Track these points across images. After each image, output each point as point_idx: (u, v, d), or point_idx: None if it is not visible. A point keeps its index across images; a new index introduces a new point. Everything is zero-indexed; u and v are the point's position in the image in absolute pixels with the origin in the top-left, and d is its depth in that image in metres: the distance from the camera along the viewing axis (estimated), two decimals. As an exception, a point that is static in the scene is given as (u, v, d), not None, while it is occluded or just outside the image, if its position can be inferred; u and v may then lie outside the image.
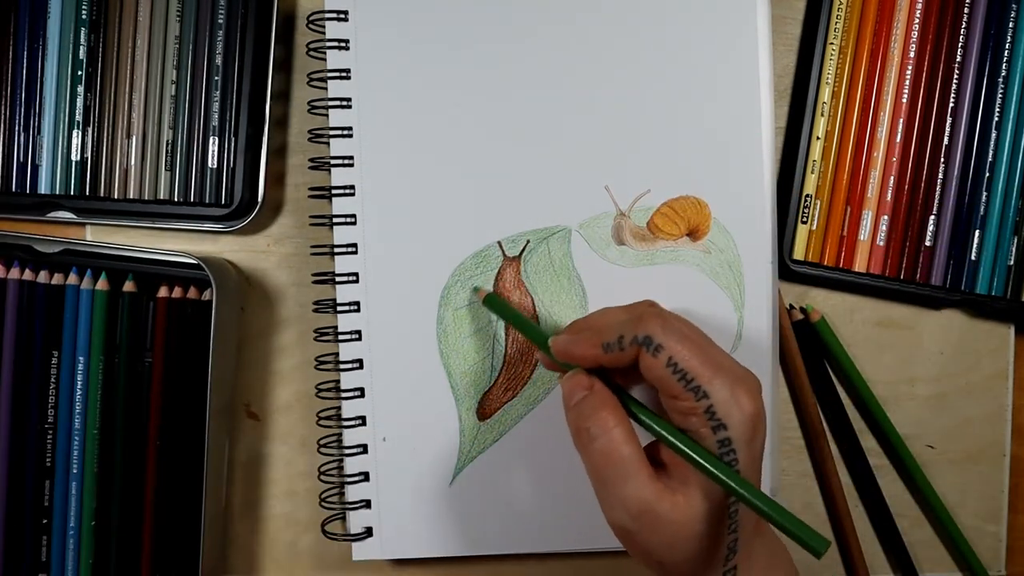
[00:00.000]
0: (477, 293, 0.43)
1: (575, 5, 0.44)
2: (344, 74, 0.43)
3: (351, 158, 0.43)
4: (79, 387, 0.43)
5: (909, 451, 0.47)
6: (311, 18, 0.43)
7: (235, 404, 0.46)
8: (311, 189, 0.44)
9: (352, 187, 0.43)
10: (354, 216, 0.43)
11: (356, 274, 0.43)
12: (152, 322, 0.43)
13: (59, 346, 0.43)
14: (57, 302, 0.43)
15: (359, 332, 0.43)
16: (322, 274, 0.43)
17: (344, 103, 0.43)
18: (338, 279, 0.43)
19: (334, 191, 0.43)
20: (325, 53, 0.43)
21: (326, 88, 0.43)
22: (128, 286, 0.43)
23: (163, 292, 0.43)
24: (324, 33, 0.43)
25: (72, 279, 0.43)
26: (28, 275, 0.42)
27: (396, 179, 0.43)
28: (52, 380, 0.43)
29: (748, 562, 0.32)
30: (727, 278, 0.44)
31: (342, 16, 0.43)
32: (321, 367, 0.44)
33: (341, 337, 0.43)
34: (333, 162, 0.43)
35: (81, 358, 0.43)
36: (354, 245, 0.43)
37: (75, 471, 0.43)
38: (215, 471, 0.44)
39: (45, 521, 0.43)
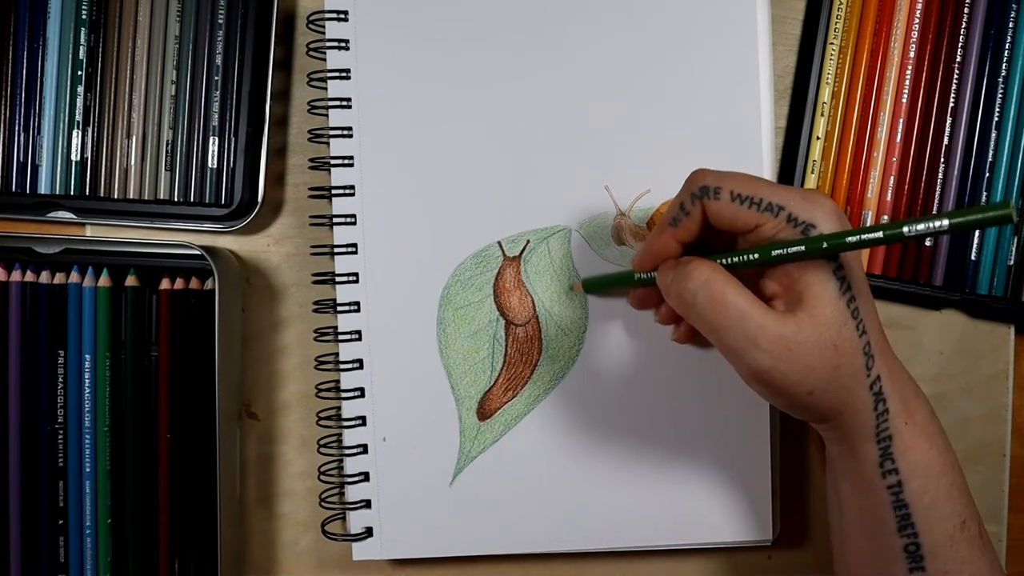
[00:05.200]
0: (574, 289, 0.43)
1: (575, 5, 0.44)
2: (344, 74, 0.43)
3: (351, 158, 0.43)
4: (87, 385, 0.43)
5: None
6: (311, 18, 0.43)
7: (236, 406, 0.46)
8: (311, 189, 0.44)
9: (352, 187, 0.43)
10: (354, 216, 0.43)
11: (356, 274, 0.43)
12: (156, 315, 0.43)
13: (64, 345, 0.43)
14: (60, 301, 0.43)
15: (359, 332, 0.43)
16: (322, 274, 0.43)
17: (344, 103, 0.43)
18: (338, 279, 0.43)
19: (334, 191, 0.43)
20: (325, 53, 0.43)
21: (326, 88, 0.43)
22: (130, 280, 0.43)
23: (165, 284, 0.43)
24: (324, 33, 0.43)
25: (74, 278, 0.43)
26: (29, 276, 0.42)
27: (396, 179, 0.43)
28: (59, 380, 0.43)
29: (889, 371, 0.32)
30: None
31: (342, 16, 0.43)
32: (321, 367, 0.44)
33: (341, 337, 0.43)
34: (333, 162, 0.43)
35: (87, 356, 0.43)
36: (354, 245, 0.43)
37: (88, 470, 0.43)
38: (228, 461, 0.44)
39: (61, 522, 0.43)
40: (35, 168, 0.44)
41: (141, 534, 0.43)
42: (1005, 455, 0.48)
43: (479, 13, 0.43)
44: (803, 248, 0.31)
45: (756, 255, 0.32)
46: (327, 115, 0.43)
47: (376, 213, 0.43)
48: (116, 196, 0.44)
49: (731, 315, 0.31)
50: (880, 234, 0.29)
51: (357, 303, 0.43)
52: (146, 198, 0.44)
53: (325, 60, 0.43)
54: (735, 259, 0.33)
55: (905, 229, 0.29)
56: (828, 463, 0.36)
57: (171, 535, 0.43)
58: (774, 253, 0.31)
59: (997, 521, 0.48)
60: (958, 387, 0.48)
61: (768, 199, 0.31)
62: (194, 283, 0.43)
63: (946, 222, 0.28)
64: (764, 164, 0.44)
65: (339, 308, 0.43)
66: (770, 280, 0.32)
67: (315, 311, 0.44)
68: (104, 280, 0.43)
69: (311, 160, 0.43)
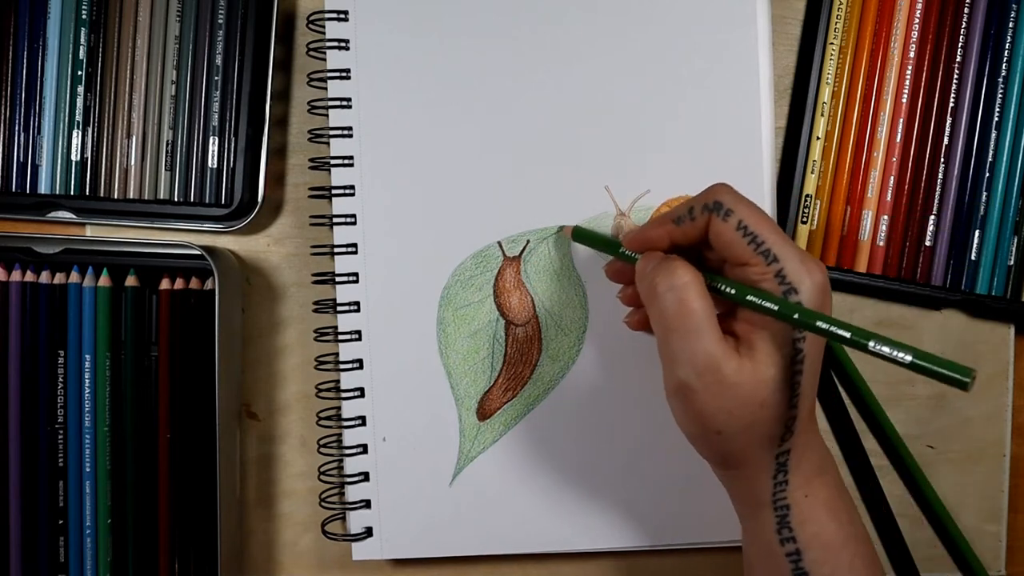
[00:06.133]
0: (563, 231, 0.42)
1: (576, 5, 0.44)
2: (344, 74, 0.43)
3: (351, 158, 0.43)
4: (87, 385, 0.43)
5: (909, 451, 0.47)
6: (311, 18, 0.43)
7: (235, 405, 0.46)
8: (311, 189, 0.44)
9: (352, 187, 0.43)
10: (354, 216, 0.43)
11: (356, 274, 0.43)
12: (156, 315, 0.43)
13: (64, 345, 0.43)
14: (60, 301, 0.43)
15: (359, 332, 0.43)
16: (322, 274, 0.43)
17: (344, 103, 0.43)
18: (338, 279, 0.43)
19: (334, 191, 0.43)
20: (325, 53, 0.43)
21: (326, 88, 0.43)
22: (130, 280, 0.43)
23: (165, 284, 0.43)
24: (324, 33, 0.43)
25: (74, 278, 0.43)
26: (29, 276, 0.42)
27: (396, 179, 0.43)
28: (59, 380, 0.43)
29: (801, 449, 0.32)
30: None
31: (342, 16, 0.43)
32: (321, 367, 0.44)
33: (341, 337, 0.43)
34: (333, 162, 0.43)
35: (87, 356, 0.43)
36: (354, 245, 0.43)
37: (88, 470, 0.43)
38: (227, 461, 0.44)
39: (61, 522, 0.43)
40: (35, 168, 0.44)
41: (141, 534, 0.43)
42: (1005, 455, 0.48)
43: (479, 13, 0.43)
44: (775, 308, 0.30)
45: (732, 290, 0.32)
46: (327, 115, 0.43)
47: (376, 213, 0.43)
48: (116, 196, 0.44)
49: (688, 326, 0.31)
50: (848, 334, 0.29)
51: (357, 303, 0.43)
52: (146, 198, 0.44)
53: (325, 60, 0.43)
54: (713, 284, 0.32)
55: (871, 344, 0.29)
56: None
57: (171, 535, 0.43)
58: (748, 298, 0.31)
59: (997, 521, 0.48)
60: (958, 387, 0.48)
61: (769, 245, 0.31)
62: (194, 283, 0.43)
63: (909, 357, 0.28)
64: (764, 164, 0.44)
65: (339, 308, 0.43)
66: (735, 318, 0.32)
67: (315, 311, 0.44)
68: (104, 280, 0.43)
69: (311, 160, 0.43)
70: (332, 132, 0.43)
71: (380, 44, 0.43)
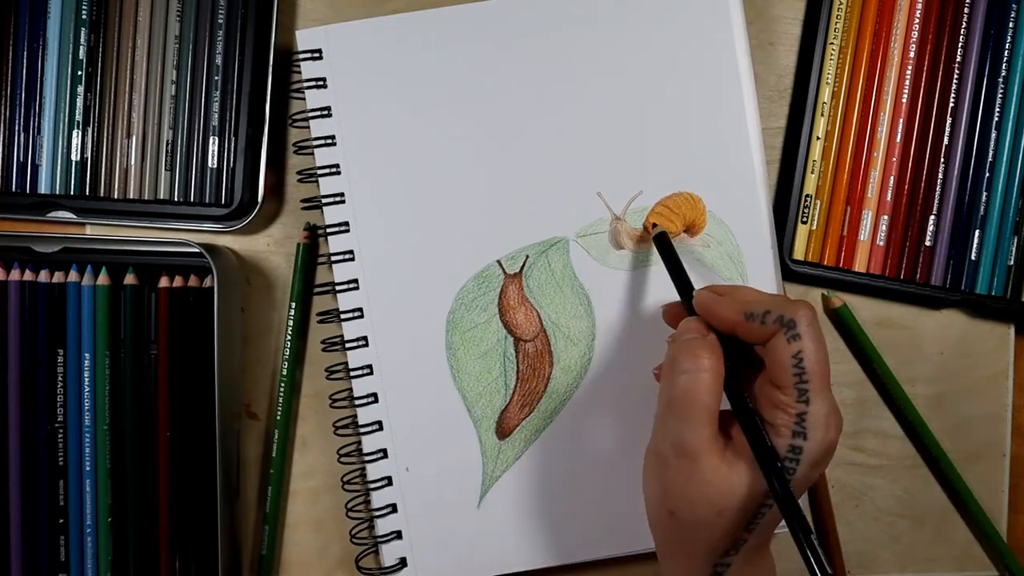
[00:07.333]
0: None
1: (559, 18, 0.43)
2: (325, 112, 0.43)
3: (342, 195, 0.43)
4: (86, 384, 0.43)
5: (940, 447, 0.47)
6: (292, 58, 0.43)
7: (235, 404, 0.46)
8: (303, 201, 0.44)
9: (347, 223, 0.43)
10: (352, 252, 0.43)
11: (360, 309, 0.43)
12: (155, 313, 0.43)
13: (64, 344, 0.43)
14: (59, 300, 0.43)
15: (370, 366, 0.43)
16: (326, 312, 0.44)
17: (328, 141, 0.43)
18: (343, 316, 0.43)
19: (329, 230, 0.43)
20: (304, 94, 0.43)
21: (309, 128, 0.43)
22: (129, 279, 0.43)
23: (164, 282, 0.43)
24: (301, 73, 0.43)
25: (73, 276, 0.43)
26: (28, 275, 0.42)
27: (389, 210, 0.43)
28: (59, 379, 0.43)
29: (743, 567, 0.33)
30: (730, 269, 0.44)
31: (316, 55, 0.43)
32: (332, 377, 0.44)
33: (353, 373, 0.43)
34: (325, 201, 0.43)
35: (87, 355, 0.43)
36: (355, 280, 0.43)
37: (88, 468, 0.43)
38: (227, 460, 0.44)
39: (61, 521, 0.43)
40: (35, 168, 0.44)
41: (141, 533, 0.43)
42: (1005, 455, 0.48)
43: (459, 30, 0.43)
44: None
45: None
46: (313, 154, 0.43)
47: (374, 248, 0.43)
48: (116, 196, 0.44)
49: (687, 414, 0.32)
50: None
51: (365, 337, 0.43)
52: (146, 198, 0.44)
53: (304, 100, 0.43)
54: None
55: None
56: None
57: (171, 534, 0.43)
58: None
59: (997, 521, 0.48)
60: (958, 387, 0.48)
61: (809, 388, 0.31)
62: (193, 281, 0.43)
63: None
64: (753, 151, 0.44)
65: (347, 345, 0.43)
66: (737, 427, 0.32)
67: (320, 322, 0.44)
68: (103, 279, 0.43)
69: (302, 201, 0.44)
70: (320, 171, 0.43)
71: (357, 79, 0.43)
